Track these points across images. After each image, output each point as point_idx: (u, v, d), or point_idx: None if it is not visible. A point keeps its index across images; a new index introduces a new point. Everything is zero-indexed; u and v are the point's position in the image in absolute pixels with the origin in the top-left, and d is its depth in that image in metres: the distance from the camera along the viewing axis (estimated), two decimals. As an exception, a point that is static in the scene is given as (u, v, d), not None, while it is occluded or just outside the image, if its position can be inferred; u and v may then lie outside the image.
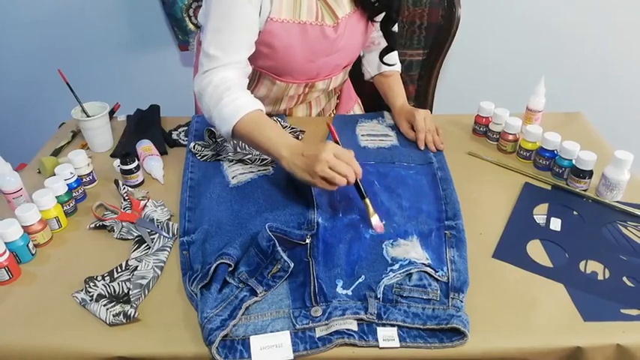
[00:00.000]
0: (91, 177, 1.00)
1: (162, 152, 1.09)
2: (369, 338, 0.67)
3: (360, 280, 0.74)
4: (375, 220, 0.84)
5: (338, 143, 0.83)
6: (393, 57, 1.20)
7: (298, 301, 0.72)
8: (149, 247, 0.83)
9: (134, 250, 0.82)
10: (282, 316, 0.70)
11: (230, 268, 0.75)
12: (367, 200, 0.84)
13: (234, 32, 0.93)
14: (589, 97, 1.87)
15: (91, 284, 0.75)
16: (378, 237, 0.83)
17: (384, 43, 1.16)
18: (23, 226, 0.82)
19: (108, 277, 0.77)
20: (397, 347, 0.66)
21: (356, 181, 0.82)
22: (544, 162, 1.01)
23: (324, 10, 1.04)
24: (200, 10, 1.11)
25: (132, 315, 0.69)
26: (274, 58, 1.04)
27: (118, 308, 0.71)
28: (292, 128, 1.12)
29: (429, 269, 0.75)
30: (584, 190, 0.95)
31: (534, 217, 0.90)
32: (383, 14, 1.09)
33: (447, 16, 1.37)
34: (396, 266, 0.76)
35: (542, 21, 1.73)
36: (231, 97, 0.90)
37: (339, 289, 0.73)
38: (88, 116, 1.08)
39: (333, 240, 0.81)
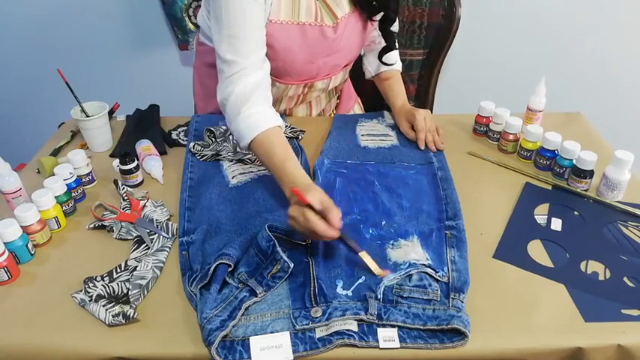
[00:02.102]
0: (90, 177, 0.99)
1: (162, 152, 1.09)
2: (370, 339, 0.67)
3: (360, 280, 0.74)
4: (378, 272, 0.75)
5: (309, 206, 0.75)
6: (394, 56, 1.19)
7: (298, 301, 0.72)
8: (148, 248, 0.83)
9: (133, 251, 0.82)
10: (281, 317, 0.70)
11: (230, 269, 0.74)
12: (364, 253, 0.76)
13: (247, 35, 0.93)
14: (589, 97, 1.87)
15: (90, 284, 0.75)
16: (379, 237, 0.83)
17: (384, 43, 1.16)
18: (22, 226, 0.81)
19: (107, 278, 0.77)
20: (397, 348, 0.66)
21: (342, 238, 0.76)
22: (545, 162, 1.01)
23: (324, 10, 1.04)
24: (199, 11, 1.11)
25: (131, 315, 0.69)
26: (274, 59, 1.03)
27: (117, 309, 0.70)
28: (292, 128, 1.12)
29: (429, 270, 0.75)
30: (585, 190, 0.95)
31: (535, 217, 0.89)
32: (381, 14, 1.09)
33: (447, 15, 1.37)
34: (397, 270, 0.75)
35: (542, 21, 1.73)
36: (249, 112, 0.90)
37: (340, 290, 0.73)
38: (87, 116, 1.08)
39: (334, 240, 0.81)
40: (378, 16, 1.10)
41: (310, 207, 0.74)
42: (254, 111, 0.91)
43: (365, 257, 0.76)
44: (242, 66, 0.92)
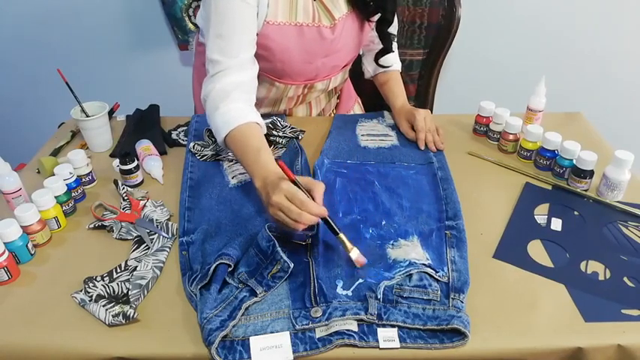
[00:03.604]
0: (90, 177, 0.99)
1: (162, 152, 1.09)
2: (370, 339, 0.67)
3: (360, 280, 0.74)
4: (354, 254, 0.75)
5: (294, 182, 0.76)
6: (391, 59, 1.19)
7: (298, 301, 0.72)
8: (148, 248, 0.83)
9: (133, 251, 0.82)
10: (281, 317, 0.70)
11: (230, 269, 0.74)
12: (341, 235, 0.76)
13: (234, 35, 0.93)
14: (589, 97, 1.87)
15: (91, 284, 0.75)
16: (379, 237, 0.83)
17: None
18: (22, 226, 0.81)
19: (107, 278, 0.77)
20: (397, 348, 0.66)
21: (325, 218, 0.75)
22: (545, 162, 1.01)
23: (321, 10, 1.04)
24: (199, 12, 1.11)
25: (131, 315, 0.69)
26: (272, 60, 1.04)
27: (117, 309, 0.70)
28: (292, 128, 1.12)
29: (429, 270, 0.75)
30: (585, 190, 0.95)
31: (535, 217, 0.89)
32: (379, 15, 1.09)
33: (447, 15, 1.37)
34: (396, 268, 0.75)
35: (542, 21, 1.73)
36: (226, 107, 0.90)
37: (339, 290, 0.73)
38: (87, 116, 1.08)
39: (334, 240, 0.81)
40: (376, 17, 1.10)
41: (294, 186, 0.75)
42: (232, 107, 0.91)
43: (343, 240, 0.76)
44: (227, 65, 0.93)
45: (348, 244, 0.76)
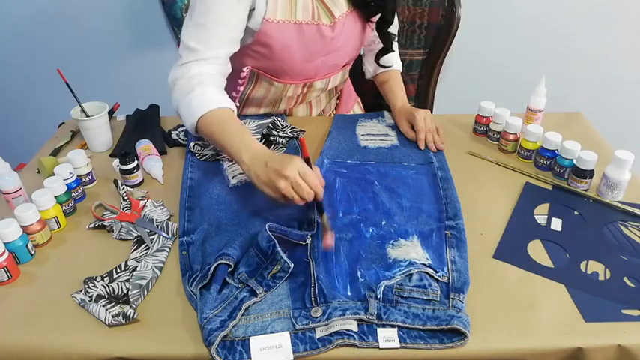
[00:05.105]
0: (90, 177, 0.99)
1: (162, 152, 1.09)
2: (369, 339, 0.67)
3: (361, 280, 0.74)
4: (329, 237, 0.77)
5: (308, 160, 0.78)
6: (391, 58, 1.19)
7: (298, 301, 0.72)
8: (148, 248, 0.83)
9: (133, 251, 0.82)
10: (282, 317, 0.70)
11: (230, 269, 0.74)
12: (325, 215, 0.80)
13: (216, 27, 0.92)
14: (589, 97, 1.87)
15: (90, 284, 0.75)
16: (379, 237, 0.83)
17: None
18: (22, 226, 0.81)
19: (107, 278, 0.77)
20: (397, 348, 0.66)
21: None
22: (545, 162, 1.01)
23: (321, 8, 1.04)
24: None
25: (131, 315, 0.69)
26: (271, 59, 1.04)
27: (117, 309, 0.70)
28: (292, 128, 1.12)
29: (429, 269, 0.75)
30: (585, 190, 0.95)
31: (535, 217, 0.89)
32: (379, 15, 1.09)
33: (447, 15, 1.37)
34: (397, 267, 0.75)
35: (542, 21, 1.73)
36: (202, 90, 0.89)
37: (340, 290, 0.73)
38: (87, 116, 1.08)
39: (334, 241, 0.81)
40: (376, 17, 1.10)
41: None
42: (209, 90, 0.89)
43: (325, 220, 0.79)
44: (203, 56, 0.92)
45: (327, 226, 0.79)
